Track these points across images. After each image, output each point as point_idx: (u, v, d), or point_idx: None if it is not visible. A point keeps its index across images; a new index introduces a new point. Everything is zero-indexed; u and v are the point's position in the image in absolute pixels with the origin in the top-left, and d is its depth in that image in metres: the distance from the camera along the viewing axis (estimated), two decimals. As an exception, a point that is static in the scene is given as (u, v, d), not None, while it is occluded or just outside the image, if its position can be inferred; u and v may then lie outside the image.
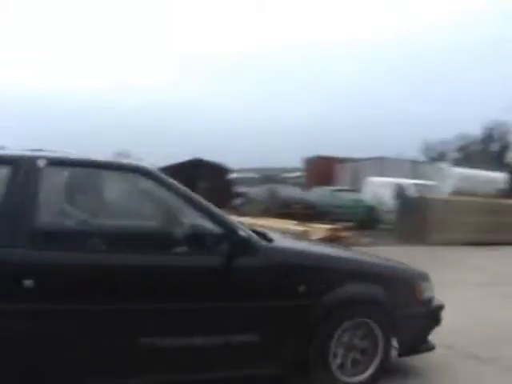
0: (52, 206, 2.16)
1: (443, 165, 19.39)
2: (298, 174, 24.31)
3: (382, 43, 64.90)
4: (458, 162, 25.69)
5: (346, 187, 15.95)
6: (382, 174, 16.71)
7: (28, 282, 1.85)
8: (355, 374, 2.42)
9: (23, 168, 1.99)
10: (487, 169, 20.14)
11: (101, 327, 1.99)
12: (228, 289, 2.16)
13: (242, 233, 2.16)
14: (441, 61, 62.45)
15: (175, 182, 2.22)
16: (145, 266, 2.08)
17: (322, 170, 20.88)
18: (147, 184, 2.21)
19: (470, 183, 16.96)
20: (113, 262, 2.04)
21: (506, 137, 50.19)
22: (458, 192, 15.57)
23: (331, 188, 15.28)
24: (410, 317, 2.55)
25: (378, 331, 2.42)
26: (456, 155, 51.26)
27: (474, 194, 14.52)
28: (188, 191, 2.21)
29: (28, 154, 2.15)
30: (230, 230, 2.16)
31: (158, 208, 2.38)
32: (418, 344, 2.71)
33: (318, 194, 13.59)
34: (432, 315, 2.73)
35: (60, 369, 1.99)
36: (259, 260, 2.17)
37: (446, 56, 61.37)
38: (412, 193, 13.11)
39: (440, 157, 48.81)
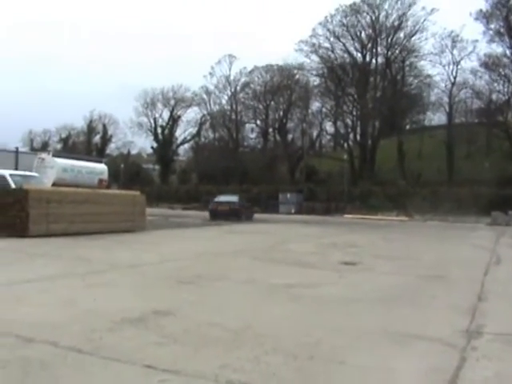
0: None
1: (45, 155, 25.16)
2: None
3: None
4: (60, 153, 35.89)
5: None
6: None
7: None
8: None
9: None
10: (89, 160, 28.38)
11: None
12: None
13: None
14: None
15: None
16: None
17: None
18: None
19: (72, 174, 23.61)
20: None
21: (107, 129, 79.39)
22: (60, 182, 21.33)
23: None
24: None
25: None
26: (59, 146, 78.78)
27: (76, 185, 20.56)
28: None
29: None
30: None
31: None
32: None
33: None
34: None
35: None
36: None
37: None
38: (9, 184, 16.98)
39: (43, 147, 70.43)
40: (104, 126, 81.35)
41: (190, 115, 77.59)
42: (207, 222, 28.92)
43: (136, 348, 4.43)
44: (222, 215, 30.79)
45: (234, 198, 34.29)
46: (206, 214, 32.90)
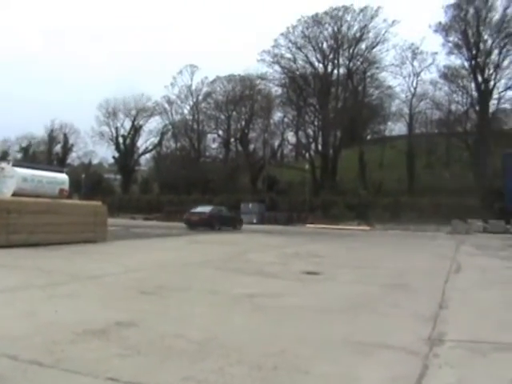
0: None
1: (4, 164, 24.64)
2: None
3: None
4: (20, 162, 34.73)
5: None
6: None
7: None
8: None
9: None
10: (50, 169, 27.39)
11: None
12: None
13: None
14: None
15: None
16: None
17: None
18: None
19: (33, 184, 23.55)
20: None
21: (68, 138, 79.15)
22: (20, 192, 20.93)
23: None
24: None
25: None
26: (19, 155, 77.86)
27: (37, 195, 20.13)
28: None
29: None
30: None
31: None
32: None
33: None
34: None
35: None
36: None
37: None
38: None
39: (3, 157, 68.92)
40: (65, 135, 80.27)
41: (152, 125, 77.27)
42: (170, 232, 28.78)
43: (98, 360, 4.39)
44: (196, 225, 32.76)
45: (206, 209, 35.36)
46: (170, 224, 32.95)
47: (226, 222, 35.22)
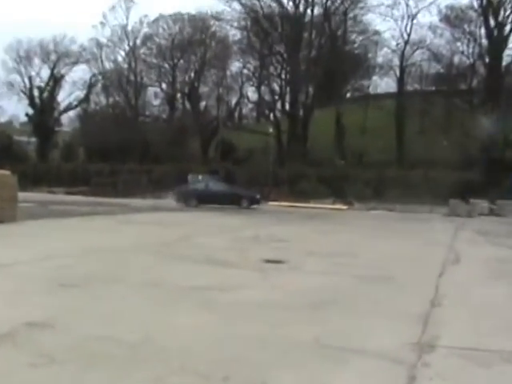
0: None
1: None
2: None
3: None
4: None
5: None
6: None
7: None
8: None
9: None
10: None
11: None
12: None
13: None
14: None
15: None
16: None
17: None
18: None
19: None
20: None
21: None
22: None
23: None
24: None
25: None
26: None
27: None
28: None
29: None
30: None
31: None
32: None
33: None
34: None
35: None
36: None
37: None
38: None
39: None
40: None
41: (77, 74, 75.95)
42: (97, 210, 28.54)
43: (3, 372, 4.32)
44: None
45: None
46: (100, 199, 32.44)
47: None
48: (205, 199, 36.37)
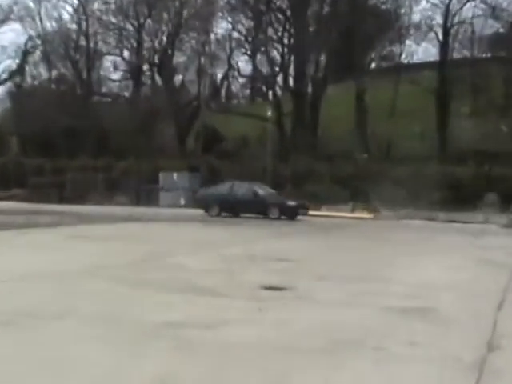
0: None
1: None
2: None
3: None
4: None
5: None
6: None
7: None
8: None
9: None
10: None
11: None
12: None
13: None
14: None
15: None
16: None
17: None
18: None
19: None
20: None
21: None
22: None
23: None
24: None
25: None
26: None
27: None
28: None
29: None
30: None
31: None
32: None
33: None
34: None
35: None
36: None
37: None
38: None
39: None
40: None
41: (7, 37, 76.17)
42: (38, 221, 28.47)
43: None
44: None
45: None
46: (41, 206, 32.32)
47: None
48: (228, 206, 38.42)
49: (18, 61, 74.15)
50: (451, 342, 7.72)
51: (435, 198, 42.66)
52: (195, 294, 10.45)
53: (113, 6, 69.86)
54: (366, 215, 41.39)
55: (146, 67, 71.37)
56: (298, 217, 37.13)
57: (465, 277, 14.39)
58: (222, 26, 69.25)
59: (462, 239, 26.17)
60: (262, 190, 40.89)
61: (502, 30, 61.12)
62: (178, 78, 70.63)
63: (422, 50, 66.21)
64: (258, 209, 38.35)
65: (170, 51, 68.90)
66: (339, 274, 13.68)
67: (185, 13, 67.55)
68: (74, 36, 72.03)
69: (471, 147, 51.52)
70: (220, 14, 68.39)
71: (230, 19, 68.09)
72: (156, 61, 69.52)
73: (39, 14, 72.67)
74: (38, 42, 73.40)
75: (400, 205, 42.57)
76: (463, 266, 16.74)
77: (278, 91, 66.33)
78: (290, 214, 37.61)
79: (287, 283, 11.63)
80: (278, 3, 65.91)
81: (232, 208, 38.26)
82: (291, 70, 66.07)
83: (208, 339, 7.38)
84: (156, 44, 69.53)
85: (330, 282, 12.40)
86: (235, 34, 68.74)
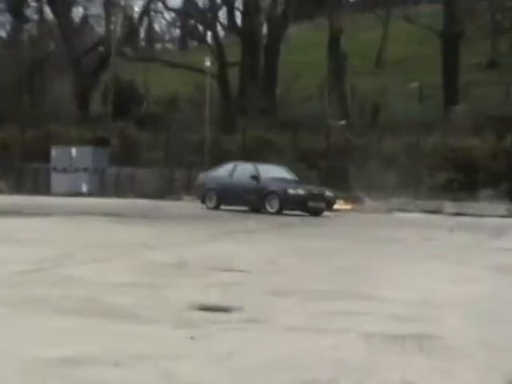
0: None
1: None
2: None
3: None
4: None
5: None
6: None
7: None
8: None
9: None
10: None
11: None
12: None
13: None
14: None
15: None
16: None
17: None
18: None
19: None
20: None
21: None
22: None
23: None
24: None
25: None
26: None
27: None
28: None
29: None
30: None
31: None
32: None
33: None
34: None
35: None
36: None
37: None
38: None
39: None
40: None
41: None
42: None
43: None
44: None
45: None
46: None
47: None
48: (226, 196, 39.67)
49: None
50: (461, 381, 7.75)
51: (439, 183, 42.85)
52: (100, 317, 10.36)
53: None
54: (342, 206, 41.65)
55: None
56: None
57: (478, 291, 14.52)
58: None
59: (474, 239, 26.39)
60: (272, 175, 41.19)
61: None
62: (78, 12, 70.50)
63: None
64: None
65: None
66: (305, 288, 13.72)
67: None
68: None
69: (489, 112, 51.90)
70: None
71: None
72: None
73: None
74: None
75: (391, 192, 42.76)
76: (476, 276, 16.91)
77: (221, 32, 66.42)
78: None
79: (232, 301, 11.62)
80: None
81: (230, 198, 38.97)
82: (239, 3, 66.25)
83: (115, 381, 7.31)
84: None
85: (292, 299, 12.41)
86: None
